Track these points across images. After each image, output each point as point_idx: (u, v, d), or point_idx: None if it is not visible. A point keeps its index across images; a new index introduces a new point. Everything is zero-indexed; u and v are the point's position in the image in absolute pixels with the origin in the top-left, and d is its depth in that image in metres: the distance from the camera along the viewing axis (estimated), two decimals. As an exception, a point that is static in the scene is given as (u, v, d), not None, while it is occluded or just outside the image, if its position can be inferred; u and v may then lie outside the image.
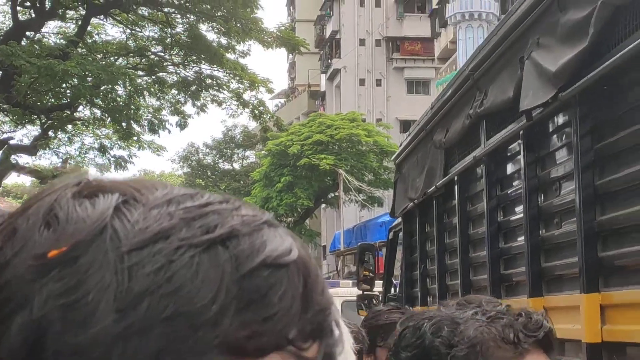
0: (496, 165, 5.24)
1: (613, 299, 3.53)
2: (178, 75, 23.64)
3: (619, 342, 3.42)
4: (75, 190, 0.64)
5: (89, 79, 20.41)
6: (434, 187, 6.71)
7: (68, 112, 22.94)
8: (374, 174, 42.14)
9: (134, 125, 23.21)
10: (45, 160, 37.12)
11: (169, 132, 24.88)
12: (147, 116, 23.88)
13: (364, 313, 9.48)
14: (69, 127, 24.39)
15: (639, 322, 3.24)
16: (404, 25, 56.37)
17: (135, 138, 23.57)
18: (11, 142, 23.48)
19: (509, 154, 5.08)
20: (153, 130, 23.67)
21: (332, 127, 42.36)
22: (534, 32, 4.31)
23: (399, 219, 8.87)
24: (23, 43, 20.93)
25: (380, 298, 10.14)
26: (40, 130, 23.68)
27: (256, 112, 23.50)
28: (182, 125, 23.94)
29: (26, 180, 66.30)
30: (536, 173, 4.42)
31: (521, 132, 4.54)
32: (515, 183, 4.91)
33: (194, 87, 23.25)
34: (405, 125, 58.39)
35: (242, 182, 57.05)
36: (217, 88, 23.22)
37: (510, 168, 5.08)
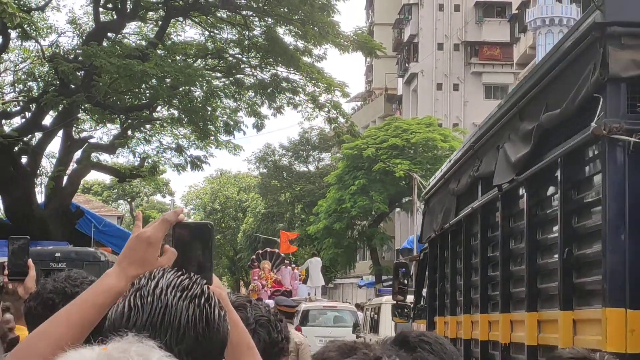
0: (485, 214, 7.42)
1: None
2: (255, 78, 23.73)
3: None
4: None
5: (167, 80, 20.61)
6: (448, 224, 8.96)
7: (147, 112, 23.22)
8: (449, 179, 41.74)
9: (210, 126, 23.36)
10: (123, 158, 37.73)
11: (244, 133, 24.92)
12: (222, 117, 24.01)
13: (398, 320, 12.85)
14: (147, 126, 24.68)
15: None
16: (483, 30, 55.75)
17: (212, 138, 23.72)
18: (91, 140, 23.90)
19: (492, 208, 7.16)
20: (228, 131, 23.79)
21: (408, 131, 42.13)
22: (507, 130, 6.40)
23: (426, 244, 11.08)
24: (104, 44, 21.25)
25: (412, 307, 12.25)
26: (119, 129, 24.02)
27: (331, 116, 23.41)
28: (258, 127, 24.01)
29: (106, 178, 67.58)
30: (509, 224, 6.65)
31: (499, 195, 6.73)
32: (496, 229, 6.98)
33: (270, 90, 23.28)
34: (482, 130, 57.73)
35: (316, 184, 57.11)
36: (292, 91, 23.23)
37: (493, 218, 7.22)
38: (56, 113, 22.04)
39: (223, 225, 75.02)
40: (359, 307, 28.58)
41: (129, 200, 72.39)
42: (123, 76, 19.71)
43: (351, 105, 70.67)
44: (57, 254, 18.89)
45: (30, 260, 3.48)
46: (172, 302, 1.73)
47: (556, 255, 5.31)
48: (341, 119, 24.41)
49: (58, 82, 20.99)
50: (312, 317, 24.10)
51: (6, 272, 3.44)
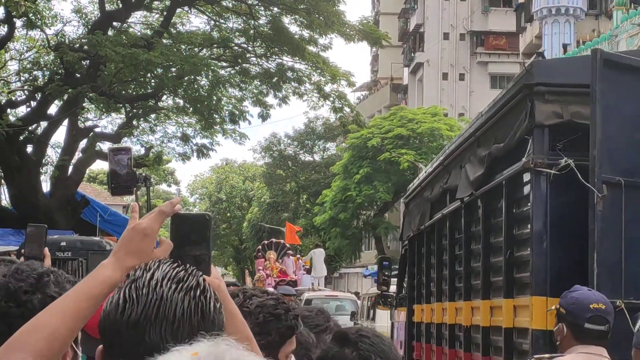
0: (452, 220, 9.18)
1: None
2: (260, 67, 23.71)
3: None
4: None
5: (172, 69, 20.61)
6: (424, 225, 10.96)
7: (152, 101, 23.22)
8: (454, 169, 41.66)
9: (215, 116, 23.36)
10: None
11: (249, 122, 24.90)
12: (228, 107, 24.01)
13: (382, 308, 15.10)
14: (152, 116, 24.69)
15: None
16: (489, 19, 55.59)
17: (217, 127, 23.72)
18: (96, 129, 23.90)
19: (457, 215, 8.85)
20: (234, 120, 23.78)
21: (414, 121, 42.04)
22: (468, 153, 8.15)
23: (406, 242, 12.88)
24: (109, 33, 21.24)
25: (394, 297, 14.10)
26: (124, 119, 24.03)
27: (336, 106, 23.39)
28: (264, 116, 24.01)
29: (112, 167, 67.54)
30: (469, 229, 8.31)
31: (462, 205, 8.48)
32: (460, 232, 8.68)
33: (275, 79, 23.27)
34: (487, 120, 57.64)
35: (322, 174, 57.11)
36: (298, 80, 23.21)
37: (458, 224, 8.86)
38: (61, 102, 22.04)
39: (228, 214, 75.11)
40: (358, 295, 29.09)
41: (134, 189, 72.35)
42: (128, 65, 19.70)
43: (357, 95, 70.65)
44: (63, 243, 18.91)
45: (46, 249, 3.45)
46: (167, 294, 1.71)
47: (501, 256, 6.96)
48: (347, 109, 24.40)
49: (63, 72, 20.98)
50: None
51: (22, 258, 3.42)
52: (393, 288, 14.85)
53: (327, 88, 23.38)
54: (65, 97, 21.27)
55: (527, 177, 6.32)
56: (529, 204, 6.20)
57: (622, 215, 5.71)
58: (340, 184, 43.40)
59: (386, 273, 14.30)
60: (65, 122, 22.51)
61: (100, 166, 72.56)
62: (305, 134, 60.00)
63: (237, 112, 23.78)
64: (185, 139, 25.07)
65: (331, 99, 23.48)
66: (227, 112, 23.75)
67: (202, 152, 24.69)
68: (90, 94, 20.78)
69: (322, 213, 45.25)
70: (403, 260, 13.43)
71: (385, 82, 65.07)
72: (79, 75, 20.58)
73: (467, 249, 8.35)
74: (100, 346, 1.78)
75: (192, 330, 1.69)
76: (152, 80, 22.08)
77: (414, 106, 50.80)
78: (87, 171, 33.10)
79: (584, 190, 5.67)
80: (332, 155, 59.07)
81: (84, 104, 22.63)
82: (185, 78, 21.62)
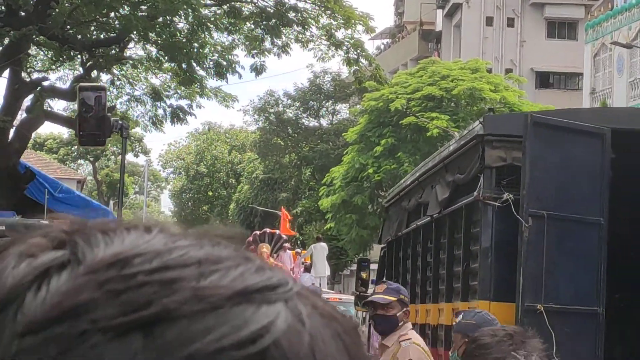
0: (425, 230, 13.33)
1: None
2: (254, 6, 23.57)
3: None
4: (31, 244, 0.66)
5: (142, 7, 20.53)
6: (401, 232, 15.60)
7: (116, 48, 23.13)
8: (499, 140, 41.53)
9: (197, 68, 23.26)
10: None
11: (240, 76, 24.80)
12: (213, 56, 23.88)
13: (359, 309, 19.00)
14: (116, 67, 24.61)
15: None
16: (547, -50, 55.38)
17: (197, 85, 23.65)
18: (45, 83, 23.82)
19: (429, 228, 12.92)
20: (220, 73, 23.66)
21: (448, 79, 41.92)
22: (438, 176, 12.33)
23: (385, 245, 17.85)
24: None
25: None
26: (81, 71, 23.98)
27: (351, 56, 23.26)
28: (258, 70, 23.91)
29: (63, 131, 67.71)
30: (438, 240, 12.26)
31: (435, 219, 12.56)
32: (431, 243, 12.73)
33: (274, 22, 23.15)
34: (542, 78, 57.57)
35: (331, 144, 57.05)
36: (302, 23, 23.06)
37: (429, 235, 12.87)
38: (1, 48, 21.99)
39: (211, 193, 75.29)
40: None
41: (91, 159, 72.24)
42: (87, 2, 19.63)
43: (376, 44, 70.54)
44: (1, 227, 18.94)
45: None
46: None
47: (460, 266, 10.87)
48: (363, 62, 24.27)
49: (4, 8, 20.92)
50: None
51: None
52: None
53: (339, 34, 23.25)
54: (6, 41, 21.21)
55: (477, 207, 10.06)
56: (479, 228, 9.99)
57: (544, 240, 9.22)
58: (356, 158, 43.18)
59: (363, 274, 18.82)
60: (6, 73, 22.45)
61: (49, 129, 72.77)
62: (309, 93, 59.90)
63: (225, 63, 23.67)
64: (156, 97, 25.01)
65: (344, 48, 23.35)
66: (211, 63, 23.64)
67: (178, 115, 24.64)
68: (38, 38, 20.70)
69: (331, 194, 44.99)
70: (382, 262, 18.09)
71: (412, 27, 64.87)
72: (23, 14, 20.51)
73: (436, 258, 12.44)
74: None
75: None
76: (117, 22, 22.00)
77: (449, 59, 50.67)
78: (33, 136, 33.09)
79: (518, 220, 9.21)
80: (344, 120, 59.01)
81: (29, 51, 22.56)
82: (159, 19, 21.53)
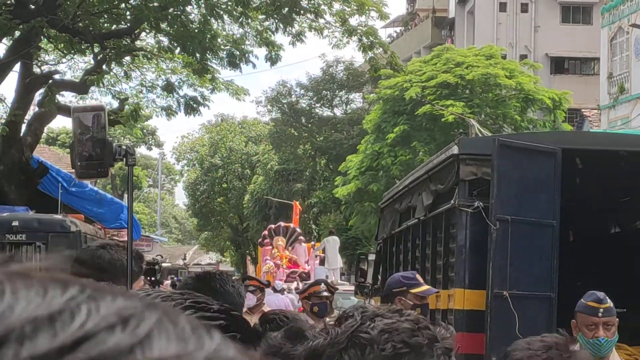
0: (414, 230, 15.28)
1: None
2: (266, -6, 23.34)
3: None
4: None
5: (153, -3, 20.40)
6: (394, 231, 17.60)
7: (127, 39, 22.96)
8: (514, 127, 41.37)
9: (210, 57, 23.07)
10: (97, 100, 37.53)
11: (254, 66, 24.57)
12: (226, 46, 23.69)
13: (359, 297, 21.18)
14: (127, 59, 24.42)
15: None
16: None
17: (209, 76, 23.46)
18: (56, 77, 23.68)
19: (418, 228, 14.88)
20: (233, 63, 23.47)
21: (463, 65, 41.78)
22: (424, 185, 14.43)
23: (381, 241, 19.79)
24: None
25: (371, 287, 19.66)
26: (92, 63, 23.83)
27: (366, 41, 23.00)
28: (272, 59, 23.69)
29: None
30: (425, 239, 14.29)
31: (421, 221, 14.55)
32: (420, 241, 14.67)
33: (286, 10, 22.93)
34: (557, 63, 57.29)
35: (345, 133, 56.86)
36: (315, 11, 22.83)
37: (418, 234, 14.82)
38: (10, 41, 21.87)
39: (225, 185, 75.14)
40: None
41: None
42: (97, -8, 19.54)
43: (388, 32, 70.29)
44: (15, 223, 18.80)
45: None
46: None
47: (441, 261, 12.83)
48: (378, 49, 24.02)
49: (13, 1, 20.81)
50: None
51: None
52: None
53: (353, 21, 23.01)
54: (16, 34, 21.08)
55: (454, 212, 12.04)
56: (456, 229, 11.98)
57: (509, 239, 11.26)
58: (374, 147, 43.02)
59: (362, 266, 21.31)
60: (17, 66, 22.33)
61: (62, 123, 72.63)
62: (322, 82, 59.69)
63: (238, 53, 23.46)
64: (169, 89, 24.85)
65: (357, 35, 23.12)
66: (225, 53, 23.44)
67: (192, 106, 24.47)
68: (49, 30, 20.58)
69: (347, 183, 44.87)
70: (378, 257, 20.28)
71: (425, 15, 64.67)
72: (33, 7, 20.39)
73: (423, 253, 14.32)
74: None
75: None
76: (128, 12, 21.86)
77: (463, 46, 50.43)
78: (46, 130, 32.99)
79: (487, 223, 11.24)
80: (358, 109, 58.84)
81: (40, 44, 22.43)
82: (171, 9, 21.37)
